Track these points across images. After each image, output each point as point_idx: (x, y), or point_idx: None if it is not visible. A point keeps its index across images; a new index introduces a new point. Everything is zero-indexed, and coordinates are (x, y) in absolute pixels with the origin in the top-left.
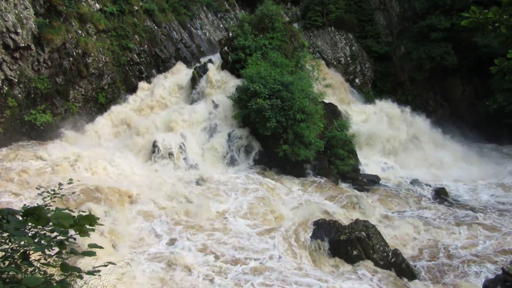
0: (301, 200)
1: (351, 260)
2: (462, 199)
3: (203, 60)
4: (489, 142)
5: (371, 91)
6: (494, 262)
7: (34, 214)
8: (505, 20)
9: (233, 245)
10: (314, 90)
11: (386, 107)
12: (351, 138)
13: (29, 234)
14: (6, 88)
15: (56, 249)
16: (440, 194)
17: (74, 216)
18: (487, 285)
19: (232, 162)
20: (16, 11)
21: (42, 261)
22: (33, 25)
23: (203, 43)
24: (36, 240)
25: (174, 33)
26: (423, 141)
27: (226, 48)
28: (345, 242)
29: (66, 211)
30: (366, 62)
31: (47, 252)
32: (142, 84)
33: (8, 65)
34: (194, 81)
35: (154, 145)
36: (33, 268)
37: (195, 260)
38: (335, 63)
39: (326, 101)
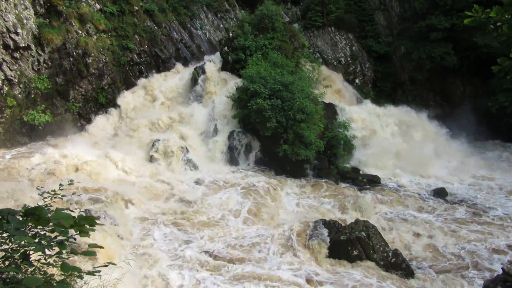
0: (301, 200)
1: (351, 260)
2: (463, 198)
3: (203, 60)
4: (490, 142)
5: (371, 91)
6: (496, 262)
7: (34, 214)
8: (507, 19)
9: (233, 245)
10: (314, 90)
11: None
12: (351, 138)
13: (29, 234)
14: (6, 88)
15: (56, 249)
16: (441, 194)
17: (74, 217)
18: (487, 285)
19: (232, 162)
20: (16, 11)
21: (42, 261)
22: (33, 25)
23: (203, 43)
24: (36, 240)
25: (174, 33)
26: (423, 141)
27: (226, 48)
28: (345, 242)
29: (66, 211)
30: (366, 62)
31: (47, 252)
32: (142, 82)
33: (8, 65)
34: (194, 81)
35: (154, 145)
36: (33, 268)
37: (193, 259)
38: (335, 63)
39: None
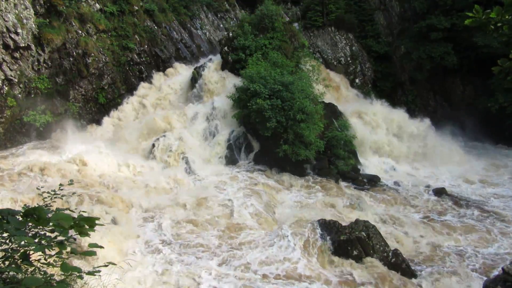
0: (301, 200)
1: (351, 260)
2: (462, 198)
3: (203, 60)
4: (490, 142)
5: (371, 91)
6: (496, 262)
7: (34, 214)
8: (507, 20)
9: (233, 245)
10: (314, 90)
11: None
12: (351, 138)
13: (29, 234)
14: (6, 88)
15: (57, 249)
16: (441, 194)
17: (74, 217)
18: (487, 285)
19: (232, 162)
20: (16, 11)
21: (42, 261)
22: (33, 25)
23: (203, 43)
24: (36, 240)
25: (174, 33)
26: (423, 141)
27: (226, 48)
28: (345, 242)
29: (67, 211)
30: (366, 62)
31: (47, 252)
32: (143, 84)
33: (8, 65)
34: (194, 81)
35: (154, 145)
36: (33, 268)
37: (195, 258)
38: (335, 63)
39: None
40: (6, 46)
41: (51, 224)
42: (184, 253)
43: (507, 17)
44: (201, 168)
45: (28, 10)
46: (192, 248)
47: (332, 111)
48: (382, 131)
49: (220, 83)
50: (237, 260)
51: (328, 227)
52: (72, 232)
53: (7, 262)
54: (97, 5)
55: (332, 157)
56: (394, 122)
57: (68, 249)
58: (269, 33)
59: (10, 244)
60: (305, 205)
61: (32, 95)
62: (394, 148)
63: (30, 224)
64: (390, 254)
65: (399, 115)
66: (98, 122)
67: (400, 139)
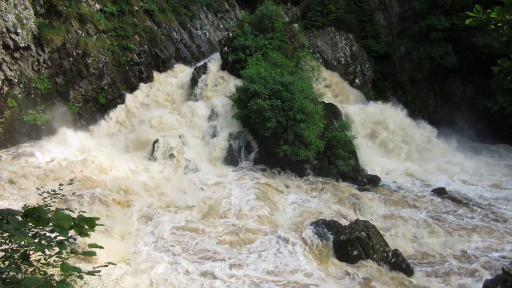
0: (301, 200)
1: (351, 260)
2: (462, 198)
3: (203, 60)
4: (490, 142)
5: (371, 91)
6: (500, 262)
7: (34, 214)
8: (508, 20)
9: (240, 249)
10: (314, 90)
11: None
12: (351, 138)
13: (29, 234)
14: (6, 88)
15: (57, 249)
16: (440, 194)
17: (74, 217)
18: (487, 285)
19: (232, 162)
20: (16, 11)
21: (42, 261)
22: (33, 25)
23: (203, 43)
24: (36, 240)
25: (174, 33)
26: (423, 141)
27: (226, 48)
28: (345, 242)
29: (67, 211)
30: (366, 62)
31: (47, 252)
32: (143, 85)
33: (8, 65)
34: (194, 81)
35: (154, 145)
36: (33, 268)
37: (204, 263)
38: (335, 63)
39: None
40: (6, 46)
41: (51, 224)
42: (192, 257)
43: (507, 17)
44: (201, 168)
45: (28, 10)
46: (200, 252)
47: (332, 111)
48: (399, 156)
49: (220, 83)
50: (245, 264)
51: (328, 227)
52: (72, 232)
53: (7, 262)
54: (97, 5)
55: (332, 157)
56: (415, 143)
57: (68, 249)
58: (269, 33)
59: (10, 244)
60: (305, 205)
61: (32, 95)
62: (407, 173)
63: (30, 224)
64: (390, 254)
65: (424, 131)
66: (98, 121)
67: (417, 165)
